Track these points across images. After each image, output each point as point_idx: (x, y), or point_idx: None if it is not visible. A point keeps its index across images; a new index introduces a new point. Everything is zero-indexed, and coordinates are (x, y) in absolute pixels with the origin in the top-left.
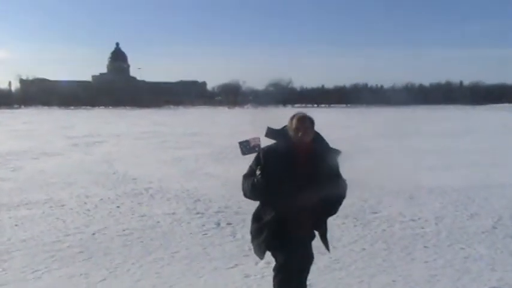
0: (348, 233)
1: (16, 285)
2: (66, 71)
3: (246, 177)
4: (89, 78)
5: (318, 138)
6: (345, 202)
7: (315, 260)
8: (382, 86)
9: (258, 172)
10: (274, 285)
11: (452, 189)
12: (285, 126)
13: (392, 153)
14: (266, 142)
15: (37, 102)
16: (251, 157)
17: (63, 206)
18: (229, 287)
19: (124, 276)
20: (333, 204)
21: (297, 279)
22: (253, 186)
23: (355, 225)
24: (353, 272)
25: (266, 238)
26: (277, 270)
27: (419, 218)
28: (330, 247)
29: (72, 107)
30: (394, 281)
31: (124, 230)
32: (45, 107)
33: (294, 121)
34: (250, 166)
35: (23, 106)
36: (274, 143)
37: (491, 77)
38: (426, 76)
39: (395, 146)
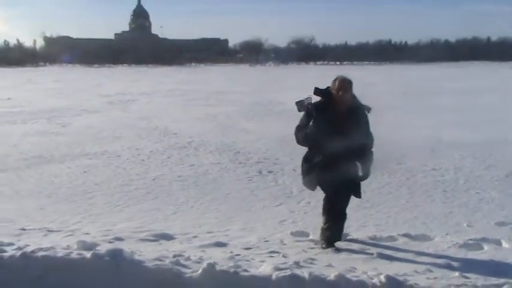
0: (376, 180)
1: (106, 216)
2: (89, 29)
3: (299, 128)
4: (111, 36)
5: (354, 97)
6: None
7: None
8: (406, 43)
9: (310, 124)
10: (323, 212)
11: (472, 144)
12: (328, 87)
13: (416, 111)
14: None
15: (61, 60)
16: (279, 114)
17: (119, 156)
18: (278, 219)
19: (190, 211)
20: (363, 152)
21: (341, 208)
22: (306, 135)
23: (382, 174)
24: (381, 210)
25: (317, 175)
26: (327, 200)
27: (440, 168)
28: (362, 193)
29: (96, 65)
30: (415, 217)
31: (179, 176)
32: (69, 65)
33: (336, 83)
34: (301, 119)
35: (47, 64)
36: (320, 100)
37: None
38: (452, 32)
39: (419, 104)
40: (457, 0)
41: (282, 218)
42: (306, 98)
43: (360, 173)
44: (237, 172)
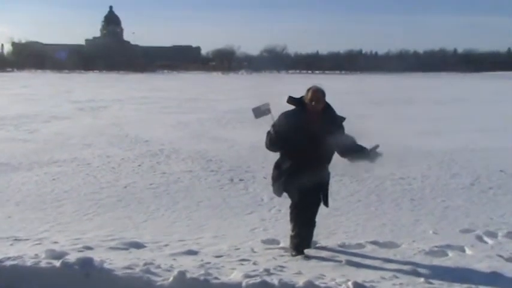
0: (345, 188)
1: (76, 224)
2: (59, 34)
3: (268, 134)
4: (82, 42)
5: (328, 107)
6: (342, 162)
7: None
8: (376, 53)
9: (272, 131)
10: (290, 219)
11: (438, 153)
12: (302, 96)
13: (385, 120)
14: (284, 107)
15: (30, 66)
16: (256, 121)
17: (89, 164)
18: (250, 227)
19: (161, 219)
20: (349, 149)
21: (308, 215)
22: (270, 140)
23: (351, 182)
24: (351, 218)
25: (284, 181)
26: (293, 206)
27: (407, 177)
28: (331, 201)
29: (66, 71)
30: (384, 224)
31: (151, 184)
32: (39, 71)
33: (310, 93)
34: (272, 125)
35: (15, 69)
36: (293, 109)
37: (484, 45)
38: (421, 43)
39: (389, 113)
40: (426, 12)
41: (253, 226)
42: (263, 105)
43: (364, 156)
44: (208, 180)
